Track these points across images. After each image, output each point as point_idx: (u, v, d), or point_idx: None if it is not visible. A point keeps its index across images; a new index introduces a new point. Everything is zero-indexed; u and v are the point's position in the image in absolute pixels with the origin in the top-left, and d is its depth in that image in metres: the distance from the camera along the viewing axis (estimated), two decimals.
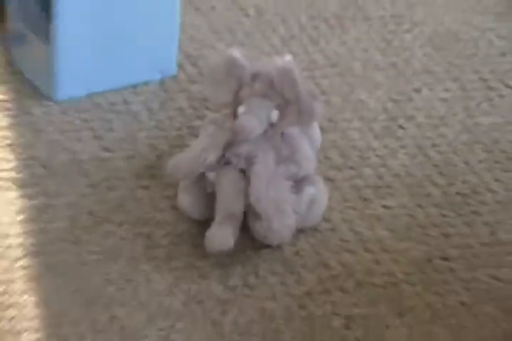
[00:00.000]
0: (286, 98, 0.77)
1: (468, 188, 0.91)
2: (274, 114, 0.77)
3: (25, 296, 0.72)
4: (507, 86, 1.10)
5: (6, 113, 0.95)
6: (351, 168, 0.92)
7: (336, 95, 1.04)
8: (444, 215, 0.87)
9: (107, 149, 0.91)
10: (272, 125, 0.78)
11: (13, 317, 0.69)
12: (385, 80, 1.08)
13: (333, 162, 0.92)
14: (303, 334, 0.72)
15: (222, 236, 0.75)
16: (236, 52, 0.79)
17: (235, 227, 0.76)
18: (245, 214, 0.78)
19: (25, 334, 0.68)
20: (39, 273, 0.75)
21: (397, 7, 1.22)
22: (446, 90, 1.08)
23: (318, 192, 0.81)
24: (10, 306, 0.71)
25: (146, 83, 1.00)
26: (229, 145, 0.77)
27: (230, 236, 0.75)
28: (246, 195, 0.77)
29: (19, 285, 0.73)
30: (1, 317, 0.69)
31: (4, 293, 0.72)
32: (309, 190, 0.80)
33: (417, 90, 1.07)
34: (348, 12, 1.19)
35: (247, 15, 1.17)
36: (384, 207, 0.87)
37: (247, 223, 0.79)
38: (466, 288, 0.78)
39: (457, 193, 0.91)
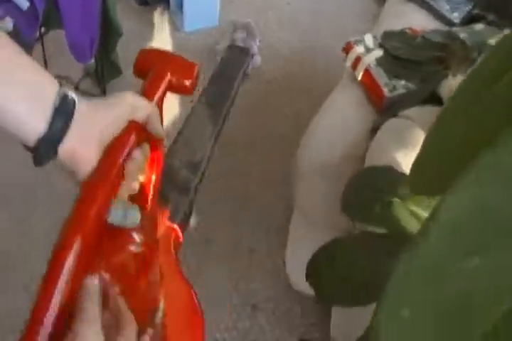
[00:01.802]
0: (248, 30, 2.75)
1: None
2: (245, 34, 2.75)
3: None
4: None
5: (171, 32, 2.99)
6: (268, 50, 2.92)
7: None
8: None
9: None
10: (244, 37, 2.76)
11: None
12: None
13: (261, 48, 2.92)
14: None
15: None
16: (235, 17, 2.78)
17: None
18: None
19: None
20: None
21: None
22: None
23: (257, 57, 2.81)
24: None
25: (210, 26, 3.01)
26: (232, 42, 2.77)
27: None
28: None
29: None
30: None
31: None
32: (255, 57, 2.80)
33: None
34: None
35: None
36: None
37: None
38: None
39: None
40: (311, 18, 3.23)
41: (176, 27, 3.02)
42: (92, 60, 2.40)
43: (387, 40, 1.75)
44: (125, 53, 2.70)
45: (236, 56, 1.09)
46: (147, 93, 0.69)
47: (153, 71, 0.72)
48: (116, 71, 2.56)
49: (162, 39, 2.95)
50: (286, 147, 2.31)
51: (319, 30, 3.13)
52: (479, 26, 1.84)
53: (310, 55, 2.94)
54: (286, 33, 3.10)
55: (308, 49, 2.98)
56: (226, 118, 0.98)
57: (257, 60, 2.80)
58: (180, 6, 2.91)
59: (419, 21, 2.15)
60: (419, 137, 1.47)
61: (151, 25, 3.02)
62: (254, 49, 2.78)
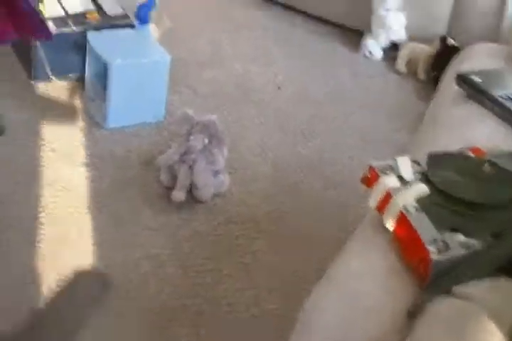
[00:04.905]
0: (211, 133, 2.76)
1: None
2: (205, 141, 2.77)
3: None
4: None
5: (83, 131, 3.00)
6: (243, 168, 2.93)
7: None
8: None
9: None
10: (205, 146, 2.77)
11: None
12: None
13: (231, 164, 2.92)
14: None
15: (179, 195, 2.75)
16: (190, 111, 2.80)
17: (185, 192, 2.76)
18: (191, 185, 2.77)
19: None
20: None
21: None
22: None
23: (224, 177, 2.81)
24: None
25: (149, 123, 3.05)
26: (185, 153, 2.77)
27: (183, 196, 2.75)
28: (191, 177, 2.76)
29: None
30: None
31: None
32: (220, 177, 2.80)
33: None
34: None
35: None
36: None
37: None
38: None
39: None
40: (309, 113, 3.28)
41: (94, 121, 3.04)
42: None
43: (435, 167, 1.74)
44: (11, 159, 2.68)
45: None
46: None
47: None
48: None
49: (73, 140, 2.95)
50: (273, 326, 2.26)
51: (324, 136, 3.16)
52: None
53: (307, 178, 2.95)
54: (269, 138, 3.13)
55: (305, 166, 3.00)
56: None
57: (224, 181, 2.83)
58: (104, 86, 2.96)
59: (487, 134, 2.16)
60: (490, 334, 1.42)
61: (55, 117, 3.03)
62: (220, 163, 2.79)
